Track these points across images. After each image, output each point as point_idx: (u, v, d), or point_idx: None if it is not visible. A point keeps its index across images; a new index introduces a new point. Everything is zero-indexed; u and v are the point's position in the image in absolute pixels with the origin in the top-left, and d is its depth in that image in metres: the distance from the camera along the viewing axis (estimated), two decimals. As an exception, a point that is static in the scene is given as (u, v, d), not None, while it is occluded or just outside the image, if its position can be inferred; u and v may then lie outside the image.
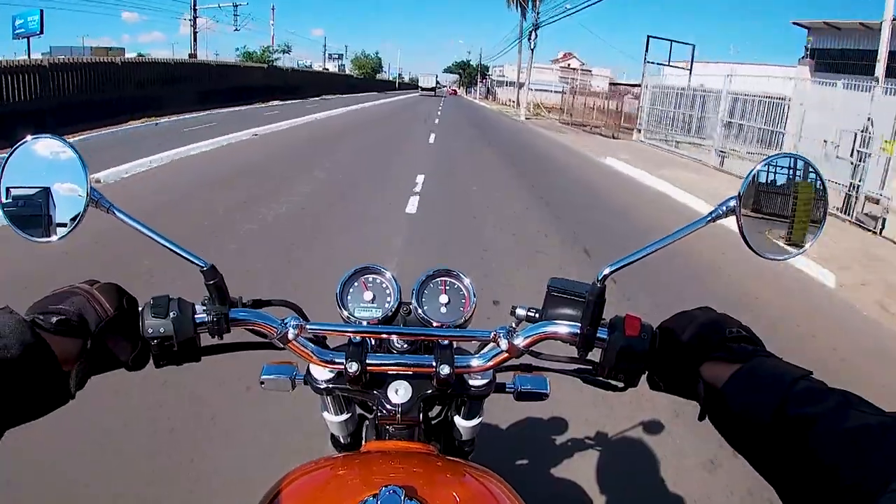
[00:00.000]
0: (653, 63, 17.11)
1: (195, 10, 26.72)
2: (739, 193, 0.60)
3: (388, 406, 0.70)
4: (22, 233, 0.59)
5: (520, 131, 20.17)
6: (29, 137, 0.61)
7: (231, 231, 4.89)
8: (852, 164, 7.40)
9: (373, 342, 0.75)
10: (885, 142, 6.85)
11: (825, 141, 8.17)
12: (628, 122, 18.84)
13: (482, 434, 0.86)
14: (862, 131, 7.27)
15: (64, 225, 0.60)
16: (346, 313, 0.76)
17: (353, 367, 0.66)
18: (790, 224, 0.63)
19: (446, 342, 0.71)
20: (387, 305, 0.76)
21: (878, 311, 4.22)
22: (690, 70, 16.43)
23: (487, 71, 72.13)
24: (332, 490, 0.65)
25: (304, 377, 0.76)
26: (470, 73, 78.81)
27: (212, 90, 20.36)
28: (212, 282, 0.62)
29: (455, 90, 79.51)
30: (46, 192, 0.59)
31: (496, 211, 6.46)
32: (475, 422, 0.81)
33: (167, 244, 0.61)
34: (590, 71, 51.88)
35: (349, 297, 0.77)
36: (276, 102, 24.73)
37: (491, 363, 0.69)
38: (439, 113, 26.81)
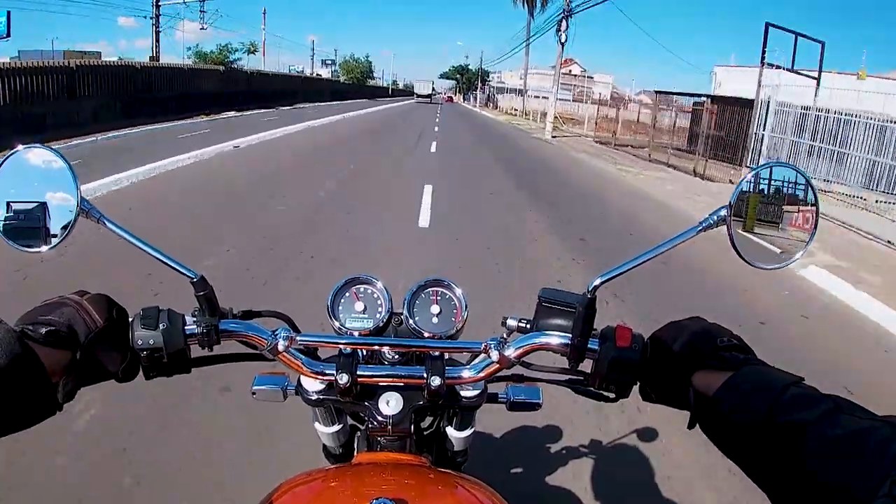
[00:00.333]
0: (772, 66, 11.32)
1: (157, 6, 23.10)
2: (730, 203, 0.60)
3: (380, 417, 0.70)
4: (12, 243, 0.59)
5: (566, 166, 12.84)
6: (20, 147, 0.61)
7: None
8: None
9: (364, 353, 0.74)
10: None
11: None
12: (676, 137, 14.88)
13: (475, 444, 0.86)
14: None
15: (55, 235, 0.60)
16: (337, 324, 0.76)
17: (344, 379, 0.66)
18: (781, 233, 0.63)
19: (437, 353, 0.70)
20: (378, 316, 0.76)
21: None
22: (818, 80, 11.15)
23: (487, 77, 70.22)
24: (324, 502, 0.64)
25: (296, 388, 0.75)
26: (469, 79, 76.64)
27: (138, 99, 15.66)
28: (202, 293, 0.62)
29: (451, 97, 78.01)
30: (43, 205, 0.59)
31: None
32: (467, 433, 0.80)
33: (156, 255, 0.61)
34: (591, 77, 51.77)
35: (340, 308, 0.77)
36: (230, 114, 20.00)
37: (482, 374, 0.69)
38: (436, 130, 19.97)
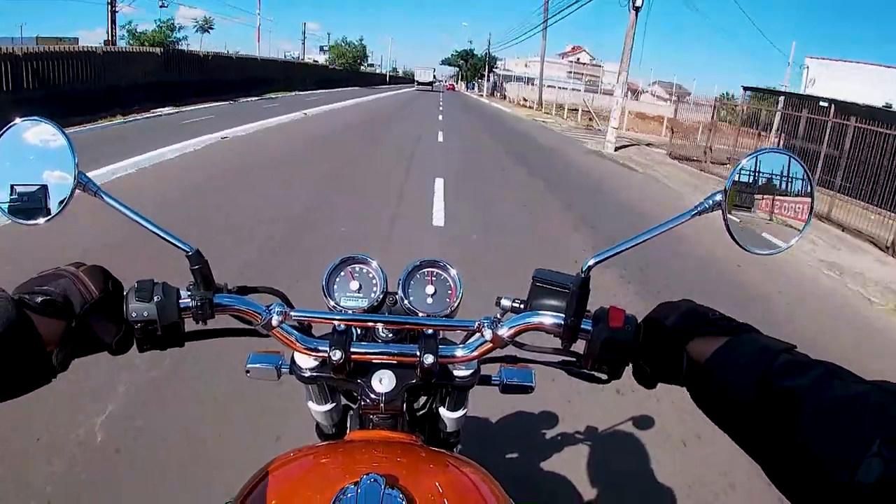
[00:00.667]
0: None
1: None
2: (726, 188, 0.60)
3: (372, 395, 0.71)
4: (12, 217, 0.60)
5: (711, 245, 4.97)
6: (18, 120, 0.61)
7: None
8: None
9: (358, 331, 0.75)
10: None
11: None
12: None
13: (468, 427, 0.87)
14: None
15: (51, 209, 0.60)
16: (331, 302, 0.76)
17: (337, 355, 0.66)
18: (777, 219, 0.63)
19: (431, 332, 0.71)
20: (373, 295, 0.77)
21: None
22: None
23: (495, 63, 64.48)
24: (314, 478, 0.65)
25: (290, 366, 0.76)
26: (474, 65, 70.73)
27: (23, 99, 10.18)
28: (196, 267, 0.62)
29: (453, 85, 74.93)
30: (44, 187, 0.60)
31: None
32: (460, 413, 0.81)
33: (153, 228, 0.61)
34: (600, 66, 50.74)
35: (335, 287, 0.77)
36: (165, 111, 14.69)
37: (475, 353, 0.69)
38: (440, 139, 12.96)
